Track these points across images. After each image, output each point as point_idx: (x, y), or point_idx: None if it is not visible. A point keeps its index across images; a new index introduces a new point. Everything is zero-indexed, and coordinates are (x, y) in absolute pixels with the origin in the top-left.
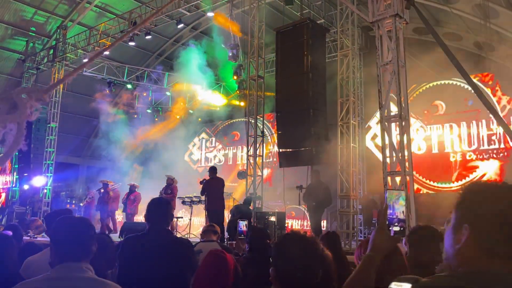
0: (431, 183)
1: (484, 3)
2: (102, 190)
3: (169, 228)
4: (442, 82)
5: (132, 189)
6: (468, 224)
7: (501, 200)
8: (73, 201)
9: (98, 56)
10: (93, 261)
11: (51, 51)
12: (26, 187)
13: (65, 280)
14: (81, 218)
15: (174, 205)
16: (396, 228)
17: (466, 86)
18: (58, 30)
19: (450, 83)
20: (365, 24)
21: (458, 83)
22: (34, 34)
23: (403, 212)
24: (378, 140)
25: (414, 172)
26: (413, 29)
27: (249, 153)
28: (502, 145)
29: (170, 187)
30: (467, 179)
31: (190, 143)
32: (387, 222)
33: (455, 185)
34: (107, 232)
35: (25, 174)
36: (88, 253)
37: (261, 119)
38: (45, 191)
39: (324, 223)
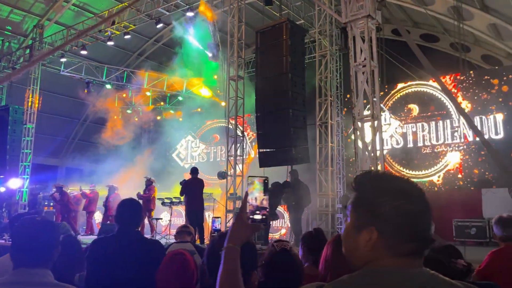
0: (406, 171)
1: (458, 4)
2: (57, 195)
3: (139, 229)
4: (417, 89)
5: (112, 190)
6: (373, 225)
7: (399, 196)
8: (51, 203)
9: (27, 68)
10: (59, 264)
11: (28, 51)
12: (2, 189)
13: (20, 285)
14: (43, 221)
15: (153, 206)
16: (257, 217)
17: (435, 92)
18: (35, 29)
19: (423, 90)
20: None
21: (428, 90)
22: (9, 33)
23: (262, 199)
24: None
25: (393, 163)
26: (391, 30)
27: (229, 153)
28: (462, 140)
29: (148, 187)
30: (436, 166)
31: (178, 144)
32: (247, 210)
33: (426, 172)
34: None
35: (0, 176)
36: (48, 258)
37: (241, 119)
38: (21, 193)
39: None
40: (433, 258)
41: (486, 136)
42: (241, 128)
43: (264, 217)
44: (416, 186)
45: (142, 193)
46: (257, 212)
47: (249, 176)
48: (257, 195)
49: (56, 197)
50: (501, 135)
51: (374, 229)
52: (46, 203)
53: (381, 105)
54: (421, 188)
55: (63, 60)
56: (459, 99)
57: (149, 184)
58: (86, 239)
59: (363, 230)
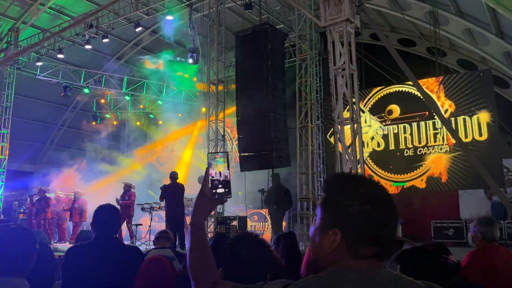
0: (388, 174)
1: (434, 10)
2: (36, 198)
3: (117, 235)
4: (397, 89)
5: (77, 196)
6: (338, 228)
7: (366, 200)
8: (27, 211)
9: None
10: (31, 275)
11: (2, 54)
12: None
13: None
14: (18, 228)
15: (132, 212)
16: (220, 190)
17: (416, 92)
18: (10, 33)
19: (403, 89)
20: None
21: (410, 90)
22: None
23: (221, 172)
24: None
25: (375, 166)
26: (370, 35)
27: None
28: (445, 142)
29: (128, 193)
30: (418, 170)
31: (157, 147)
32: (209, 186)
33: (409, 176)
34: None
35: None
36: (24, 266)
37: (222, 123)
38: None
39: (285, 226)
40: (426, 253)
41: (470, 138)
42: (222, 132)
43: (227, 189)
44: (384, 191)
45: (120, 199)
46: (220, 186)
47: (209, 153)
48: (220, 170)
49: (32, 199)
50: (485, 136)
51: (338, 231)
52: (22, 210)
53: (361, 106)
54: (389, 193)
55: (39, 64)
56: (441, 98)
57: (127, 190)
58: (60, 246)
59: (328, 231)
